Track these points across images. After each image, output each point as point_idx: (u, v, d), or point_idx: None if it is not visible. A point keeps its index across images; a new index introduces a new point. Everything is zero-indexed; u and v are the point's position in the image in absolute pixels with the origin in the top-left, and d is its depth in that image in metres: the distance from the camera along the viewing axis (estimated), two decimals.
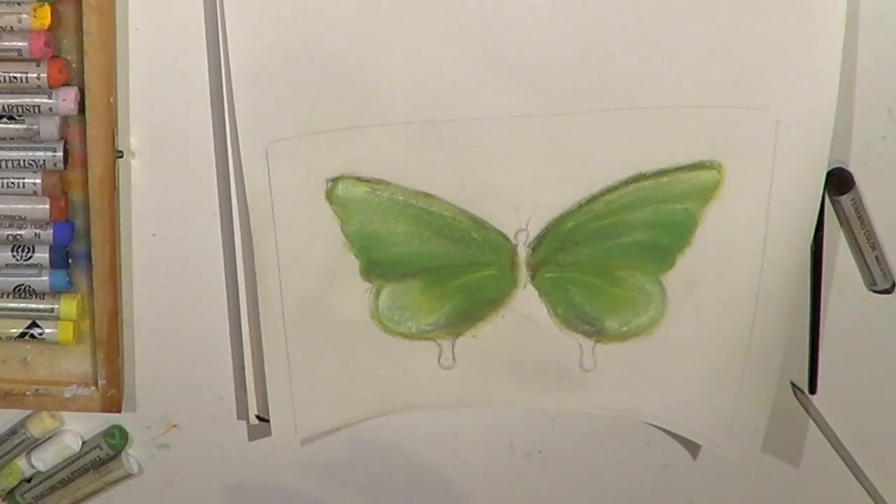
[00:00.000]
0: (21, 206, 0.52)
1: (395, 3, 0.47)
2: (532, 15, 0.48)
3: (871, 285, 0.55)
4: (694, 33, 0.48)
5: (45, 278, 0.53)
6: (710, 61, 0.49)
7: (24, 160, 0.51)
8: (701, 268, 0.54)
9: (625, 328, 0.55)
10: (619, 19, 0.48)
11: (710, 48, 0.49)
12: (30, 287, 0.53)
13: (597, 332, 0.55)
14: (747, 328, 0.54)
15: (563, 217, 0.52)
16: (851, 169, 0.53)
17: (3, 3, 0.48)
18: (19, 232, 0.52)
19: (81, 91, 0.50)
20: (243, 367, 0.56)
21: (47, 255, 0.53)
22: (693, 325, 0.55)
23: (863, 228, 0.53)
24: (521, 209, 0.52)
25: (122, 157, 0.52)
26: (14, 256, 0.53)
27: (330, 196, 0.51)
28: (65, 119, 0.51)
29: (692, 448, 0.60)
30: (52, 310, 0.54)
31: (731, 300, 0.54)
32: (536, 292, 0.54)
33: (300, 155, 0.50)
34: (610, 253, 0.53)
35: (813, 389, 0.57)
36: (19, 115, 0.50)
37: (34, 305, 0.54)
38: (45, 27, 0.48)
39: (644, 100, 0.50)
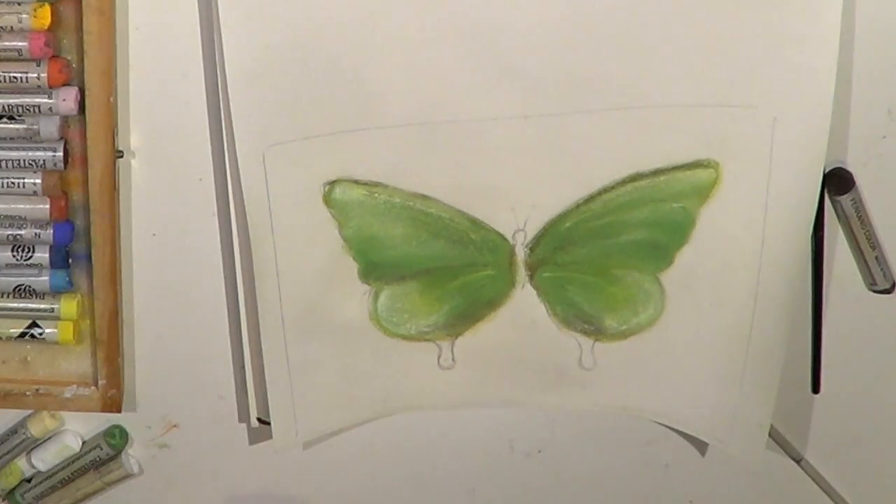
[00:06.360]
0: (21, 206, 0.52)
1: (391, 6, 0.47)
2: (526, 16, 0.48)
3: (871, 285, 0.55)
4: (690, 32, 0.48)
5: (45, 278, 0.53)
6: (706, 60, 0.49)
7: (24, 160, 0.51)
8: (699, 265, 0.53)
9: (624, 326, 0.55)
10: (614, 19, 0.48)
11: (706, 47, 0.49)
12: (30, 287, 0.54)
13: (596, 331, 0.55)
14: (747, 325, 0.54)
15: (561, 217, 0.52)
16: (851, 169, 0.53)
17: (3, 3, 0.48)
18: (19, 232, 0.52)
19: (81, 91, 0.50)
20: (244, 367, 0.55)
21: (47, 255, 0.53)
22: (692, 322, 0.55)
23: (863, 228, 0.53)
24: (519, 210, 0.52)
25: (122, 157, 0.52)
26: (14, 256, 0.53)
27: (327, 199, 0.51)
28: (65, 119, 0.51)
29: (693, 448, 0.60)
30: (52, 310, 0.54)
31: (730, 297, 0.54)
32: (535, 292, 0.54)
33: (297, 159, 0.50)
34: (608, 252, 0.53)
35: (816, 389, 0.57)
36: (19, 115, 0.50)
37: (34, 305, 0.54)
38: (45, 27, 0.48)
39: (640, 99, 0.50)
